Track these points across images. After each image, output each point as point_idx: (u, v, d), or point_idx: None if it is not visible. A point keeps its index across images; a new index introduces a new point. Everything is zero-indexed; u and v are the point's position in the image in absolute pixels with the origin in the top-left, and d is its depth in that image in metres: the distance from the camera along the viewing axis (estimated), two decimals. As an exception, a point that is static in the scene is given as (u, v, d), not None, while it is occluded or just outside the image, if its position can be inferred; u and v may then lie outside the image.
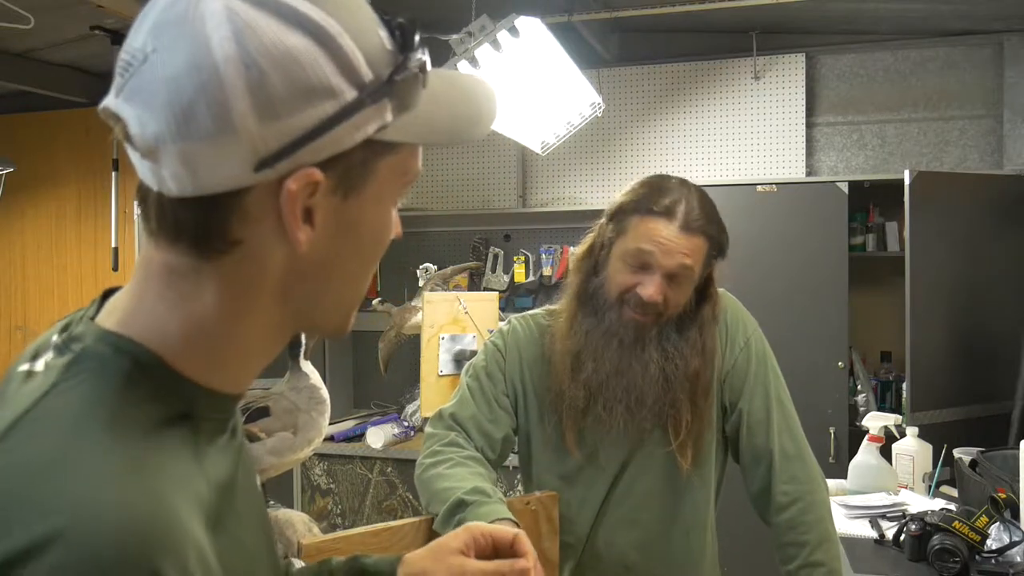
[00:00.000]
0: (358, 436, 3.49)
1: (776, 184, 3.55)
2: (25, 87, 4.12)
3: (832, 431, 3.40)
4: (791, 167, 3.89)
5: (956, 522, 1.75)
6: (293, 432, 1.96)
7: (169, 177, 0.57)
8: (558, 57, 2.65)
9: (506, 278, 4.14)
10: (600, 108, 3.04)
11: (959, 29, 3.73)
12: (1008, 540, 1.78)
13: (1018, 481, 1.89)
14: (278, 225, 0.60)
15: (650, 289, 1.41)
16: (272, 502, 2.10)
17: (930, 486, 2.32)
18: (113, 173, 3.93)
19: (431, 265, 3.73)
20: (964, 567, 1.70)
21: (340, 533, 1.25)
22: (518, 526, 1.27)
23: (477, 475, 1.41)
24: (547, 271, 4.06)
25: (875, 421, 2.41)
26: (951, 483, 2.34)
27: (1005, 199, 3.46)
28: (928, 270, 3.27)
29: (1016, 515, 1.86)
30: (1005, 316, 3.39)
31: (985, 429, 3.25)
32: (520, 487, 3.05)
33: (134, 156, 0.59)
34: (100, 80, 4.30)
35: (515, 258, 4.13)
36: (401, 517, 3.16)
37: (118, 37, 3.52)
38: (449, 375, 3.27)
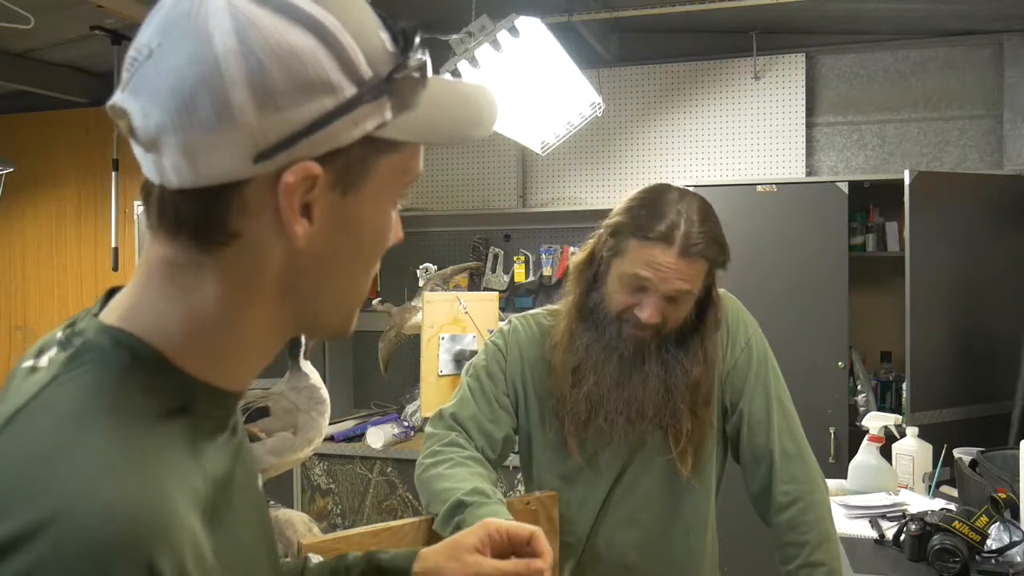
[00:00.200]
0: (358, 436, 3.49)
1: (776, 184, 3.55)
2: (25, 87, 4.12)
3: (832, 431, 3.40)
4: (791, 167, 3.89)
5: (956, 522, 1.75)
6: (293, 432, 1.96)
7: (170, 168, 0.58)
8: (558, 57, 2.65)
9: (506, 278, 4.14)
10: (600, 108, 3.04)
11: (959, 29, 3.73)
12: (1008, 540, 1.78)
13: (1018, 481, 1.89)
14: (277, 218, 0.60)
15: (647, 312, 1.41)
16: (272, 502, 2.10)
17: (930, 486, 2.32)
18: (113, 173, 3.93)
19: (431, 265, 3.73)
20: (964, 567, 1.70)
21: (340, 533, 1.25)
22: None
23: (477, 475, 1.41)
24: (547, 271, 4.06)
25: (875, 421, 2.41)
26: (951, 483, 2.34)
27: (1005, 199, 3.46)
28: (928, 270, 3.27)
29: (1016, 515, 1.86)
30: (1005, 316, 3.39)
31: (985, 429, 3.25)
32: (520, 487, 3.06)
33: (138, 151, 0.60)
34: (100, 80, 4.30)
35: (515, 258, 4.13)
36: (401, 517, 3.16)
37: (118, 37, 3.52)
38: (449, 375, 3.27)
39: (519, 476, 3.02)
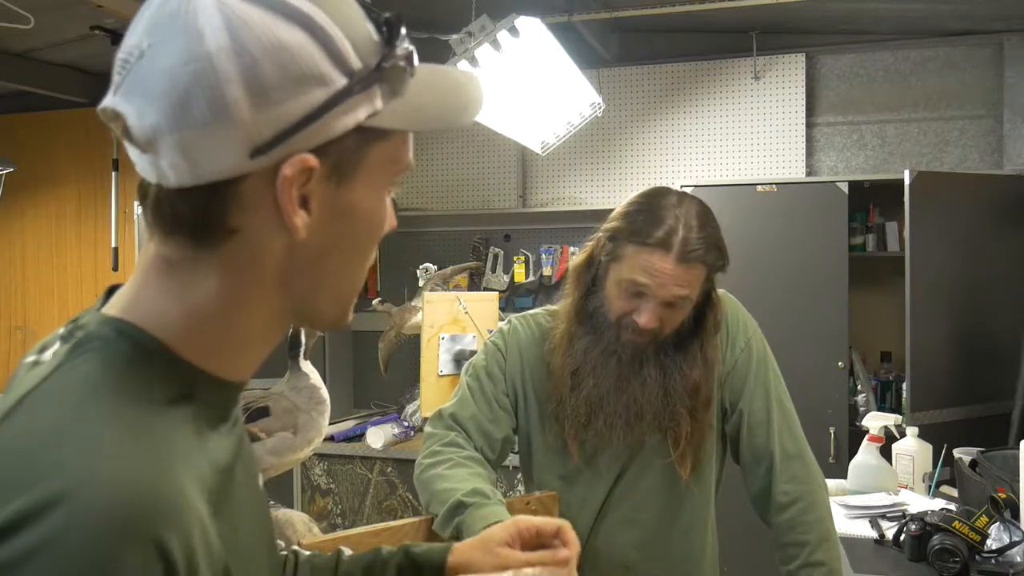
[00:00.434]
0: (358, 436, 3.49)
1: (776, 184, 3.55)
2: (25, 87, 4.12)
3: (832, 431, 3.40)
4: (791, 167, 3.89)
5: (956, 522, 1.75)
6: (293, 432, 1.95)
7: (168, 167, 0.58)
8: (558, 57, 2.65)
9: (506, 278, 4.14)
10: (600, 108, 3.04)
11: (959, 29, 3.73)
12: (1008, 540, 1.78)
13: (1018, 481, 1.89)
14: (275, 212, 0.61)
15: (645, 317, 1.41)
16: (272, 502, 2.10)
17: (930, 486, 2.32)
18: (113, 173, 3.93)
19: (431, 265, 3.73)
20: (964, 567, 1.70)
21: (340, 533, 1.25)
22: None
23: (476, 476, 1.41)
24: (547, 271, 4.06)
25: (875, 421, 2.41)
26: (951, 483, 2.34)
27: (1005, 199, 3.46)
28: (928, 270, 3.27)
29: (1016, 515, 1.86)
30: (1005, 316, 3.39)
31: (985, 429, 3.25)
32: (520, 487, 3.06)
33: (133, 152, 0.60)
34: (100, 80, 4.30)
35: (515, 258, 4.13)
36: (401, 517, 3.16)
37: (118, 37, 3.50)
38: (449, 375, 3.27)
39: (519, 476, 3.02)
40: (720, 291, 1.54)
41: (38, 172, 4.59)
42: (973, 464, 2.13)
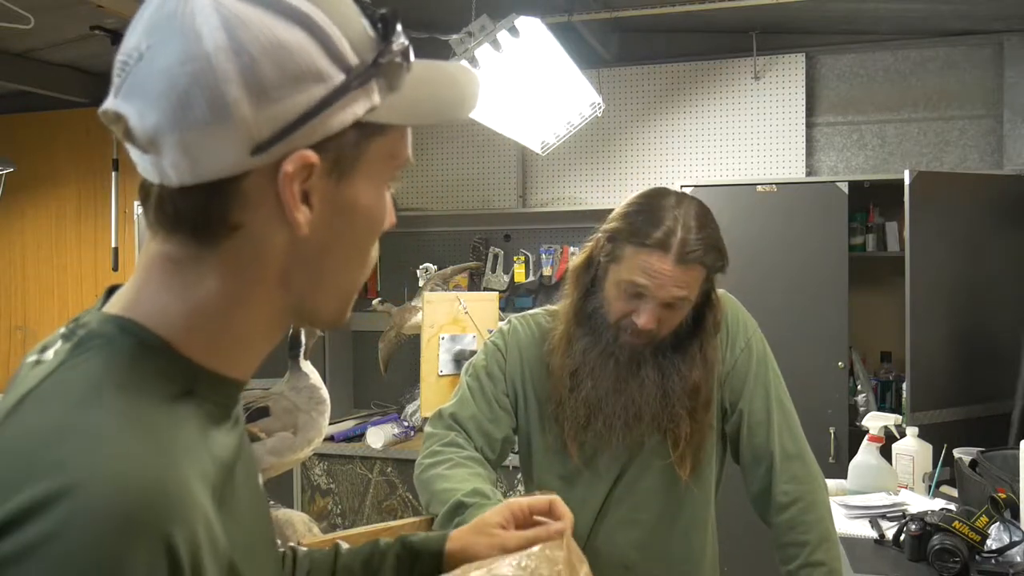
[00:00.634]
0: (358, 436, 3.49)
1: (776, 184, 3.55)
2: (25, 87, 4.12)
3: (832, 431, 3.40)
4: (791, 167, 3.89)
5: (956, 522, 1.75)
6: (293, 432, 1.95)
7: (169, 167, 0.59)
8: (558, 57, 2.65)
9: (506, 278, 4.14)
10: (600, 108, 3.04)
11: (959, 29, 3.73)
12: (1008, 540, 1.78)
13: (1018, 481, 1.89)
14: (276, 209, 0.62)
15: (644, 318, 1.40)
16: (272, 502, 2.10)
17: (930, 486, 2.32)
18: (113, 173, 3.94)
19: (431, 265, 3.73)
20: (964, 567, 1.70)
21: (340, 533, 1.25)
22: None
23: (476, 476, 1.41)
24: (547, 271, 4.06)
25: (875, 421, 2.41)
26: (951, 483, 2.34)
27: (1005, 199, 3.46)
28: (928, 270, 3.27)
29: (1016, 515, 1.86)
30: (1005, 316, 3.39)
31: (985, 429, 3.25)
32: (520, 487, 3.06)
33: (135, 153, 0.61)
34: (100, 80, 4.30)
35: (515, 258, 4.13)
36: (401, 517, 3.17)
37: (118, 37, 3.49)
38: (449, 375, 3.27)
39: (519, 476, 3.02)
40: (720, 291, 1.54)
41: (38, 172, 4.59)
42: (973, 464, 2.13)
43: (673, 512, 1.54)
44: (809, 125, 3.94)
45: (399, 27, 0.64)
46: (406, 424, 3.53)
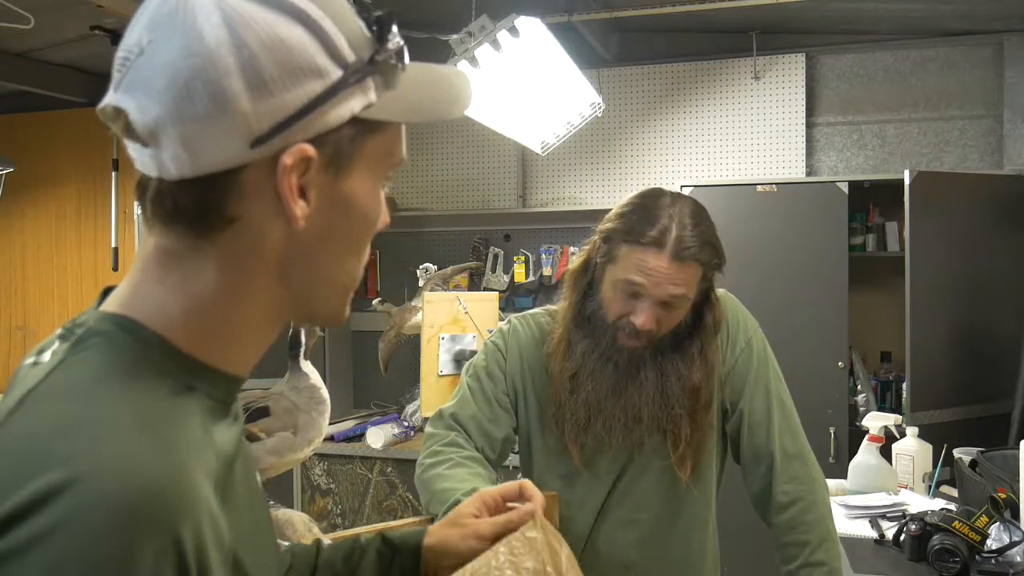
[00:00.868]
0: (358, 436, 3.49)
1: (776, 184, 3.55)
2: (25, 87, 4.12)
3: (832, 431, 3.40)
4: (791, 167, 3.89)
5: (956, 522, 1.75)
6: (293, 432, 1.95)
7: (169, 160, 0.60)
8: (558, 57, 2.65)
9: (506, 278, 4.14)
10: (600, 108, 3.04)
11: (959, 29, 3.73)
12: (1008, 540, 1.78)
13: (1018, 481, 1.89)
14: (274, 202, 0.62)
15: (642, 318, 1.40)
16: (272, 502, 2.10)
17: (930, 486, 2.32)
18: (113, 173, 3.94)
19: (431, 265, 3.73)
20: (964, 567, 1.70)
21: (340, 533, 1.25)
22: None
23: (476, 475, 1.41)
24: (547, 271, 4.06)
25: (875, 421, 2.41)
26: (951, 483, 2.34)
27: (1005, 199, 3.46)
28: (928, 270, 3.27)
29: (1016, 515, 1.86)
30: (1005, 316, 3.39)
31: (985, 429, 3.25)
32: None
33: (134, 148, 0.62)
34: (100, 80, 4.30)
35: (515, 258, 4.13)
36: (401, 517, 3.16)
37: (118, 37, 3.47)
38: (449, 375, 3.27)
39: (519, 476, 3.02)
40: (720, 291, 1.54)
41: (38, 172, 4.59)
42: (973, 464, 2.13)
43: (673, 512, 1.54)
44: (809, 125, 3.94)
45: (394, 27, 0.65)
46: (406, 424, 3.53)
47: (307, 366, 2.05)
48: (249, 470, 0.74)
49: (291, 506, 3.30)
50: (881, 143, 3.90)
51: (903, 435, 2.46)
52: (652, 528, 1.54)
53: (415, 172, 4.35)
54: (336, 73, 0.62)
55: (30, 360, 0.64)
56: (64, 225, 4.69)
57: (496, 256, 4.19)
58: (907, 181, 3.21)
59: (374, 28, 0.65)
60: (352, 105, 0.63)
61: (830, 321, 3.42)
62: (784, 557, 1.50)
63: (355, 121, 0.64)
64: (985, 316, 3.41)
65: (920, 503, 2.18)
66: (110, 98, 0.61)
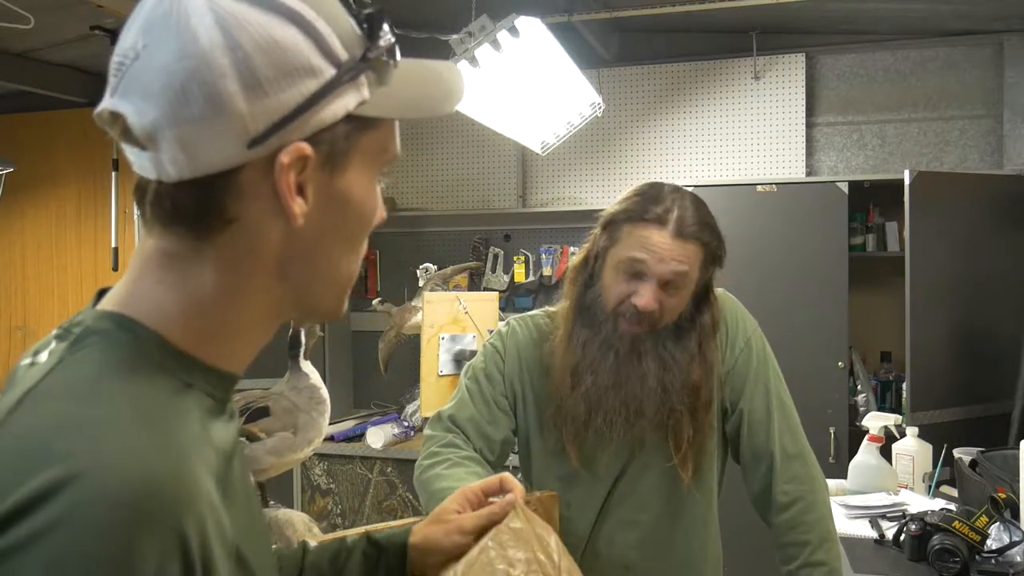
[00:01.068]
0: (358, 436, 3.49)
1: (776, 184, 3.55)
2: (25, 87, 4.11)
3: (832, 431, 3.40)
4: (791, 167, 3.89)
5: (956, 522, 1.75)
6: (293, 432, 1.95)
7: (168, 162, 0.60)
8: (558, 57, 2.65)
9: (506, 278, 4.14)
10: (600, 108, 3.04)
11: (959, 29, 3.73)
12: (1008, 540, 1.78)
13: (1018, 481, 1.89)
14: (271, 201, 0.63)
15: (645, 298, 1.40)
16: (272, 502, 2.10)
17: (930, 486, 2.32)
18: (113, 173, 3.93)
19: (431, 265, 3.73)
20: (964, 567, 1.70)
21: (340, 533, 1.25)
22: None
23: (474, 475, 1.41)
24: (547, 271, 4.06)
25: (875, 421, 2.41)
26: (951, 483, 2.34)
27: (1005, 199, 3.46)
28: (928, 270, 3.27)
29: (1016, 515, 1.86)
30: (1005, 316, 3.39)
31: (985, 429, 3.25)
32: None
33: (131, 152, 0.62)
34: (100, 80, 4.27)
35: (515, 258, 4.13)
36: (401, 517, 3.16)
37: (117, 37, 3.50)
38: (449, 375, 3.27)
39: (519, 476, 3.02)
40: (719, 290, 1.54)
41: (38, 172, 4.59)
42: (973, 464, 2.13)
43: (674, 513, 1.54)
44: (809, 125, 3.94)
45: (385, 24, 0.66)
46: (406, 424, 3.53)
47: (307, 366, 2.05)
48: (245, 469, 0.74)
49: (291, 506, 3.30)
50: (881, 143, 3.90)
51: (903, 435, 2.46)
52: (652, 529, 1.54)
53: (415, 172, 4.35)
54: (330, 72, 0.62)
55: (27, 361, 0.64)
56: (64, 225, 4.68)
57: (496, 256, 4.19)
58: (907, 181, 3.21)
59: (365, 26, 0.65)
60: (346, 102, 0.64)
61: (830, 321, 3.42)
62: (784, 557, 1.50)
63: (349, 118, 0.64)
64: (985, 316, 3.41)
65: (920, 503, 2.18)
66: (107, 103, 0.61)
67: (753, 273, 3.32)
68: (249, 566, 0.64)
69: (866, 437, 2.36)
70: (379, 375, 3.76)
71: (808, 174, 3.88)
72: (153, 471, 0.55)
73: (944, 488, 2.35)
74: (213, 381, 0.66)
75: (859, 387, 3.60)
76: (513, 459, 1.88)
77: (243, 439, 1.88)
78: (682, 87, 4.03)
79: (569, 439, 1.49)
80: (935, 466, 2.35)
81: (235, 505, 0.65)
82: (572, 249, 3.92)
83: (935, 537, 1.74)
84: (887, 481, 2.29)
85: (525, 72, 2.58)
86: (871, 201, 3.72)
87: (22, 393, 0.59)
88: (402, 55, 0.68)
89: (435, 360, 3.30)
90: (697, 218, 1.41)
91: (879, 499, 2.19)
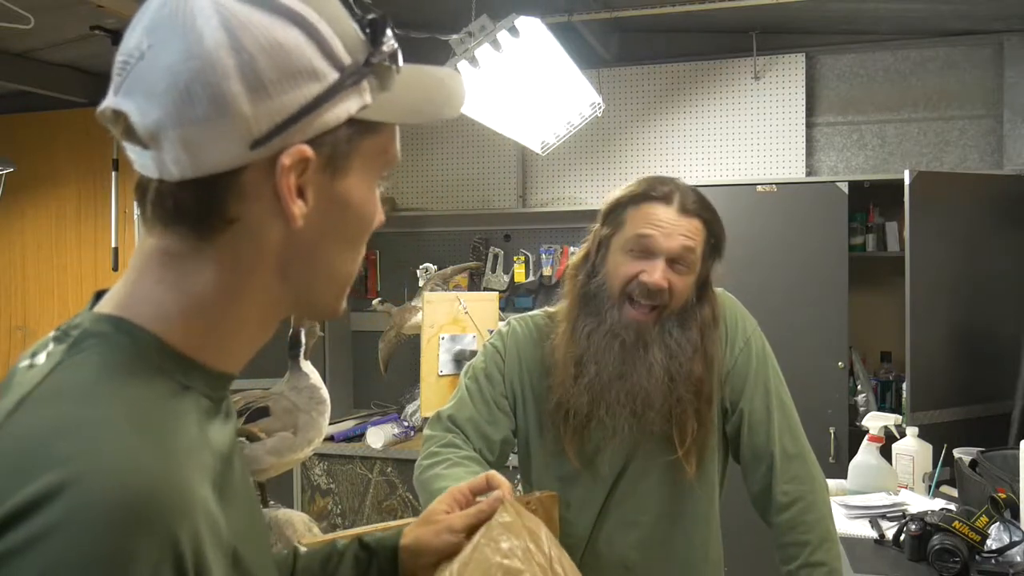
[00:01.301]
0: (358, 436, 3.49)
1: (776, 184, 3.55)
2: (25, 87, 4.12)
3: (832, 431, 3.40)
4: (791, 167, 3.89)
5: (956, 522, 1.75)
6: (293, 432, 1.95)
7: (171, 162, 0.61)
8: (558, 57, 2.65)
9: (506, 278, 4.14)
10: (600, 108, 3.04)
11: (959, 29, 3.73)
12: (1008, 540, 1.78)
13: (1018, 481, 1.89)
14: (273, 202, 0.63)
15: (655, 275, 1.41)
16: (272, 502, 2.10)
17: (930, 486, 2.32)
18: (113, 173, 3.93)
19: (431, 265, 3.73)
20: (964, 567, 1.70)
21: (339, 533, 1.25)
22: None
23: (473, 475, 1.40)
24: (547, 271, 4.06)
25: (875, 421, 2.41)
26: (951, 483, 2.34)
27: (1005, 199, 3.46)
28: (928, 270, 3.27)
29: (1016, 515, 1.86)
30: (1005, 316, 3.39)
31: (985, 429, 3.25)
32: (520, 487, 3.05)
33: (134, 151, 0.62)
34: (100, 80, 4.30)
35: (515, 258, 4.13)
36: (401, 517, 3.16)
37: (118, 37, 3.50)
38: (449, 375, 3.27)
39: (518, 476, 3.02)
40: (718, 290, 1.54)
41: (38, 172, 4.59)
42: (973, 464, 2.13)
43: (674, 512, 1.54)
44: (809, 125, 3.94)
45: (388, 29, 0.66)
46: (406, 424, 3.53)
47: (307, 366, 2.05)
48: (244, 468, 0.75)
49: (291, 506, 3.30)
50: (881, 143, 3.90)
51: (903, 435, 2.46)
52: (653, 529, 1.54)
53: (415, 172, 4.35)
54: (333, 75, 0.63)
55: (25, 363, 0.64)
56: (64, 225, 4.68)
57: (496, 256, 4.19)
58: (907, 181, 3.21)
59: (367, 30, 0.66)
60: (348, 106, 0.64)
61: (830, 321, 3.42)
62: (784, 557, 1.50)
63: (351, 122, 0.65)
64: (985, 316, 3.41)
65: (920, 503, 2.18)
66: (110, 101, 0.62)
67: (753, 273, 3.32)
68: (246, 566, 0.64)
69: (866, 437, 2.36)
70: (379, 375, 3.76)
71: (808, 174, 3.88)
72: (150, 477, 0.55)
73: (944, 488, 2.35)
74: (210, 382, 0.66)
75: (859, 387, 3.60)
76: (513, 459, 1.89)
77: (243, 439, 1.88)
78: (682, 87, 4.03)
79: (569, 437, 1.49)
80: (935, 466, 2.35)
81: (233, 506, 0.65)
82: (572, 249, 3.92)
83: (935, 537, 1.74)
84: (887, 481, 2.29)
85: (525, 72, 2.58)
86: (871, 201, 3.73)
87: (22, 395, 0.59)
88: (404, 59, 0.68)
89: (435, 360, 3.30)
90: (697, 197, 1.46)
91: (879, 499, 2.19)
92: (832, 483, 2.13)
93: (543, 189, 4.25)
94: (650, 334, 1.45)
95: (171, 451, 0.58)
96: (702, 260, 1.46)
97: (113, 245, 3.95)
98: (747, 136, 3.94)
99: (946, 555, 1.71)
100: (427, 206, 4.33)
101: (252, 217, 0.63)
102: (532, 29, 2.43)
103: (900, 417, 2.75)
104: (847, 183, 3.45)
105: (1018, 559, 1.75)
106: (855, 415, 3.50)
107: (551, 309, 1.60)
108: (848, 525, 2.03)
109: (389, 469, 3.36)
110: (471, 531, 0.98)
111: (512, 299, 4.11)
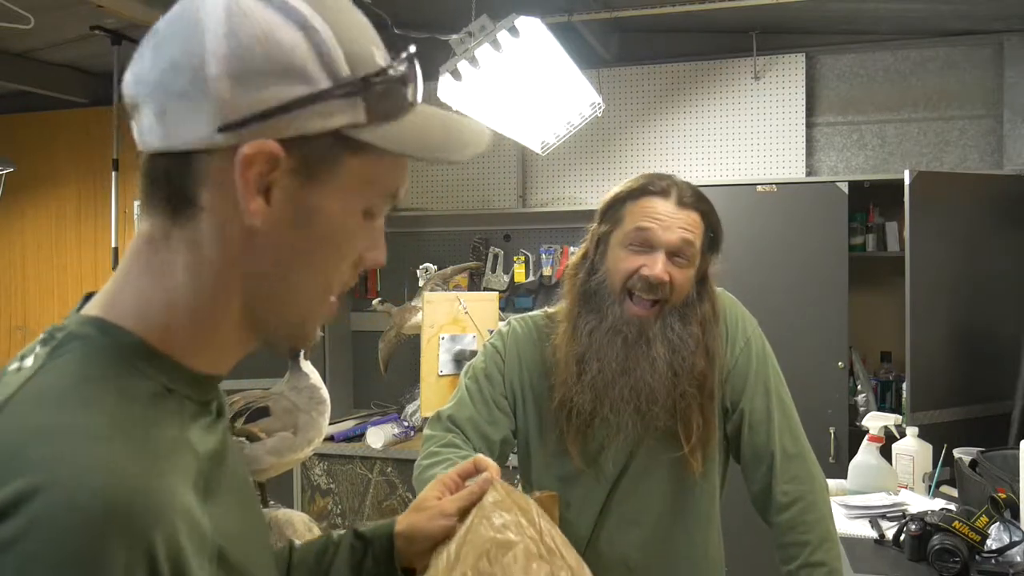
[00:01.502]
0: (358, 436, 3.49)
1: (776, 184, 3.55)
2: (25, 87, 4.12)
3: (832, 431, 3.40)
4: (791, 167, 3.89)
5: (956, 522, 1.75)
6: (293, 432, 1.95)
7: (146, 130, 0.63)
8: (558, 57, 2.65)
9: (506, 278, 4.14)
10: (600, 108, 3.04)
11: (959, 29, 3.73)
12: (1008, 540, 1.78)
13: (1018, 481, 1.89)
14: (237, 196, 0.63)
15: (656, 268, 1.41)
16: (272, 502, 2.10)
17: (930, 486, 2.32)
18: (113, 173, 3.93)
19: (431, 265, 3.73)
20: (964, 567, 1.70)
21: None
22: None
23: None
24: (547, 271, 4.06)
25: (875, 421, 2.41)
26: (951, 483, 2.34)
27: (1005, 199, 3.46)
28: (928, 270, 3.27)
29: (1016, 515, 1.86)
30: (1005, 316, 3.39)
31: (985, 429, 3.25)
32: (520, 487, 3.05)
33: (134, 122, 0.65)
34: (100, 80, 4.30)
35: (515, 258, 4.13)
36: (401, 517, 3.15)
37: (118, 37, 3.52)
38: (449, 375, 3.27)
39: (518, 477, 3.02)
40: (718, 289, 1.54)
41: (38, 172, 4.59)
42: (973, 464, 2.13)
43: (676, 511, 1.54)
44: (809, 125, 3.94)
45: (406, 56, 0.66)
46: (406, 424, 3.53)
47: (307, 366, 2.05)
48: (239, 468, 0.74)
49: (291, 506, 3.30)
50: (881, 143, 3.90)
51: (903, 435, 2.46)
52: (654, 528, 1.53)
53: (415, 172, 4.35)
54: (324, 83, 0.62)
55: (14, 366, 0.64)
56: (64, 225, 4.69)
57: (496, 256, 4.19)
58: (907, 181, 3.21)
59: (381, 60, 0.66)
60: (334, 119, 0.63)
61: (830, 321, 3.42)
62: (784, 557, 1.50)
63: (338, 136, 0.64)
64: (985, 316, 3.41)
65: (920, 503, 2.18)
66: (128, 75, 0.65)
67: (753, 273, 3.32)
68: (234, 565, 0.64)
69: (866, 437, 2.36)
70: (379, 375, 3.76)
71: (808, 174, 3.88)
72: (123, 481, 0.54)
73: (944, 488, 2.35)
74: (193, 384, 0.66)
75: (859, 387, 3.60)
76: (513, 459, 1.89)
77: (243, 439, 1.88)
78: (682, 87, 4.03)
79: (572, 436, 1.49)
80: (935, 466, 2.35)
81: (222, 506, 0.65)
82: (572, 249, 3.92)
83: (935, 537, 1.74)
84: (887, 481, 2.29)
85: (525, 72, 2.58)
86: (871, 201, 3.73)
87: (4, 398, 0.59)
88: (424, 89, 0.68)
89: (435, 360, 3.30)
90: (694, 191, 1.47)
91: (879, 499, 2.19)
92: (832, 483, 2.13)
93: (543, 189, 4.25)
94: (652, 329, 1.45)
95: (147, 454, 0.58)
96: (701, 254, 1.46)
97: (113, 245, 3.95)
98: (747, 136, 3.94)
99: (946, 555, 1.71)
100: (427, 206, 4.33)
101: (216, 207, 0.63)
102: (532, 29, 2.43)
103: (900, 417, 2.75)
104: (847, 183, 3.45)
105: (1018, 559, 1.75)
106: (855, 415, 3.51)
107: (551, 309, 1.60)
108: (848, 525, 2.03)
109: (389, 469, 3.36)
110: (463, 514, 0.99)
111: (512, 299, 4.11)
